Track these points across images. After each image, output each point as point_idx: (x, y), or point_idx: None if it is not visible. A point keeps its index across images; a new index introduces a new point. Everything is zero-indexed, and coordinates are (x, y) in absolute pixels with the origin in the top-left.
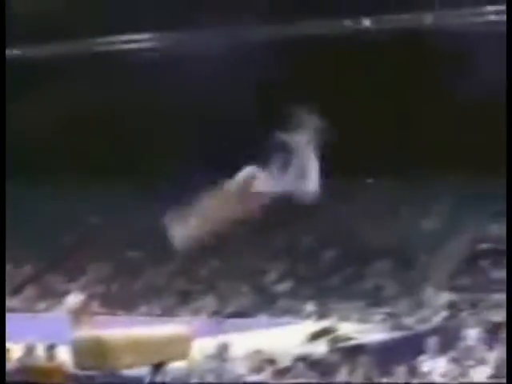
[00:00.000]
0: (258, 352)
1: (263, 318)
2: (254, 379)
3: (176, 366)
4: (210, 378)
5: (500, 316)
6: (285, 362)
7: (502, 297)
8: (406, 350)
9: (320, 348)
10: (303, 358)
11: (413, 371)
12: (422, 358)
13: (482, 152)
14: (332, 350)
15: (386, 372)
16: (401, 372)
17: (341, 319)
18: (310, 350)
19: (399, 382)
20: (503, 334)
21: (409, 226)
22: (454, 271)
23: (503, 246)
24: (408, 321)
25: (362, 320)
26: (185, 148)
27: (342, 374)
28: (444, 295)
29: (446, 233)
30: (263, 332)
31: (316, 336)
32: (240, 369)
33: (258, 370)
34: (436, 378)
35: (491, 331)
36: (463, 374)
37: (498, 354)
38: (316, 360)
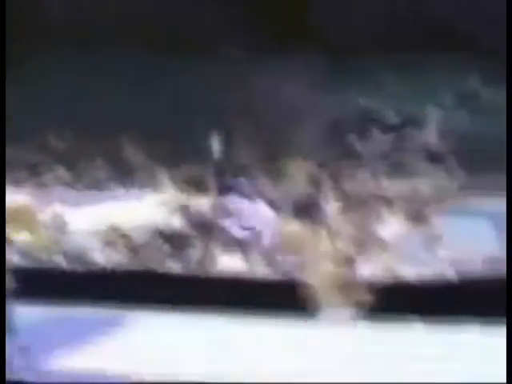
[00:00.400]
0: (110, 225)
1: (120, 191)
2: (106, 254)
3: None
4: (55, 251)
5: (364, 190)
6: (140, 235)
7: (365, 172)
8: None
9: (176, 221)
10: (159, 232)
11: None
12: None
13: None
14: (189, 224)
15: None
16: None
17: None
18: (167, 223)
19: None
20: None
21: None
22: (317, 143)
23: (371, 116)
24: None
25: None
26: None
27: (198, 248)
28: (306, 167)
29: (309, 103)
30: (118, 205)
31: (173, 209)
32: (90, 242)
33: (110, 244)
34: None
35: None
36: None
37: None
38: (172, 233)
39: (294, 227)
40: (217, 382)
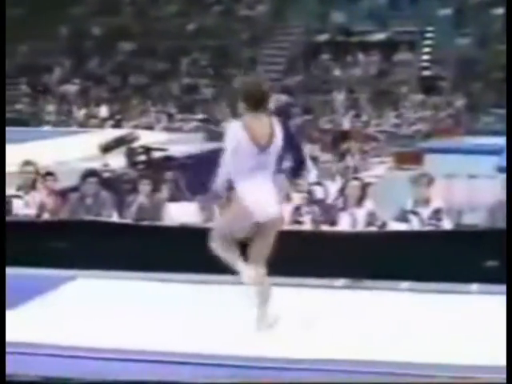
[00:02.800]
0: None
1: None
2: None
3: None
4: None
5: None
6: (69, 177)
7: (342, 97)
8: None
9: (115, 161)
10: (93, 174)
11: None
12: None
13: None
14: (130, 165)
15: (198, 188)
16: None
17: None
18: (103, 163)
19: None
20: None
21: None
22: (286, 67)
23: (342, 38)
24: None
25: (170, 129)
26: None
27: (142, 194)
28: (275, 97)
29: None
30: (46, 142)
31: (109, 147)
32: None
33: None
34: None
35: (334, 141)
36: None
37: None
38: (110, 176)
39: None
40: (218, 382)
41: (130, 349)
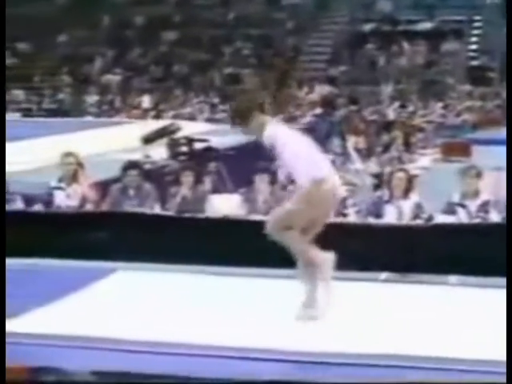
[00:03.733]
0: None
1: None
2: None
3: None
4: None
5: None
6: (111, 169)
7: (389, 90)
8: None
9: (157, 153)
10: (135, 166)
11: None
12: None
13: None
14: (172, 156)
15: (241, 178)
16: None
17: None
18: (144, 155)
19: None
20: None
21: None
22: (331, 57)
23: (388, 27)
24: None
25: (213, 120)
26: None
27: (185, 186)
28: (321, 88)
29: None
30: (87, 133)
31: (151, 138)
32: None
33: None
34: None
35: (379, 132)
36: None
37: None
38: (152, 168)
39: None
40: (224, 381)
41: (174, 342)
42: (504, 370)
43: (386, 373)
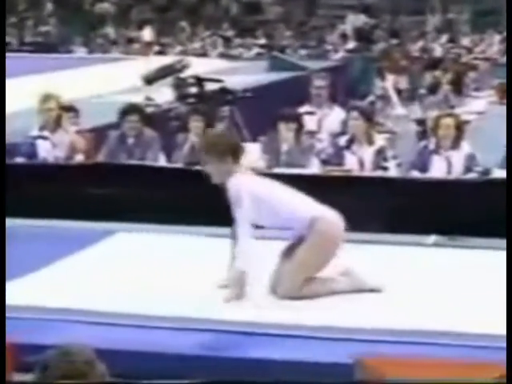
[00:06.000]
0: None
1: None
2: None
3: None
4: None
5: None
6: (107, 114)
7: (436, 20)
8: (292, 93)
9: (161, 95)
10: (135, 110)
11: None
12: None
13: None
14: (180, 98)
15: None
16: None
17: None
18: (146, 97)
19: None
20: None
21: None
22: None
23: None
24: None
25: (227, 56)
26: None
27: (194, 134)
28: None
29: None
30: (78, 71)
31: (154, 77)
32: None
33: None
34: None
35: (424, 71)
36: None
37: None
38: (156, 112)
39: None
40: (221, 381)
41: (175, 316)
42: None
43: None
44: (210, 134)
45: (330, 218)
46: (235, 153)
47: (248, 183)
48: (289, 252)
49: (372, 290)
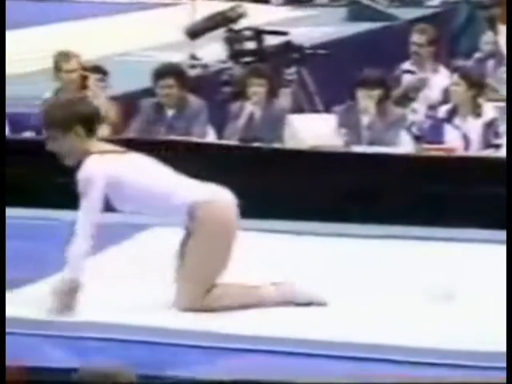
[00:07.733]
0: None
1: None
2: None
3: None
4: None
5: None
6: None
7: None
8: (377, 50)
9: (209, 52)
10: (175, 71)
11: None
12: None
13: None
14: (233, 56)
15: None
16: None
17: None
18: (189, 55)
19: None
20: None
21: None
22: None
23: None
24: None
25: (293, 2)
26: None
27: (252, 102)
28: None
29: None
30: (97, 21)
31: (200, 29)
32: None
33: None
34: None
35: None
36: None
37: None
38: (202, 75)
39: None
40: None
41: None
42: None
43: None
44: (51, 101)
45: (216, 201)
46: (87, 124)
47: (105, 165)
48: (181, 252)
49: (312, 304)
